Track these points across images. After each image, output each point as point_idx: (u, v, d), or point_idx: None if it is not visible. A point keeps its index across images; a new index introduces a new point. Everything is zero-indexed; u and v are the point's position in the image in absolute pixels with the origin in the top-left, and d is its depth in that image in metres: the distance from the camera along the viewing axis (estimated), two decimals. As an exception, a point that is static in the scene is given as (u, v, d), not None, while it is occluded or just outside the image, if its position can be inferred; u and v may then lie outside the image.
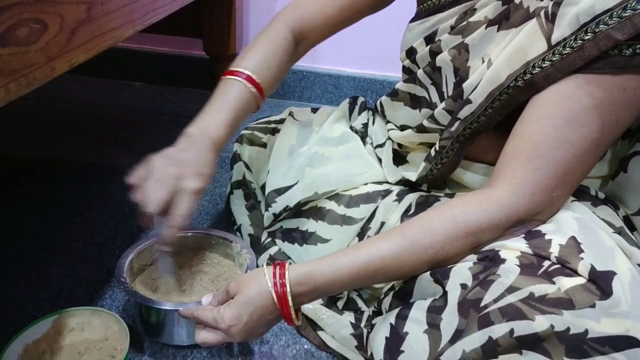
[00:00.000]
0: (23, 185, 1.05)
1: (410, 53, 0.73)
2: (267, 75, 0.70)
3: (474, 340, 0.47)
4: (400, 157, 0.81)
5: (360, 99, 0.94)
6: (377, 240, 0.56)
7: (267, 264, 0.57)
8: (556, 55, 0.52)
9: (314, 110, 0.95)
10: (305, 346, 0.74)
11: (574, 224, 0.52)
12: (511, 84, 0.56)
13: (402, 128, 0.79)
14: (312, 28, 0.74)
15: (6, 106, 0.44)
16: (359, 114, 0.91)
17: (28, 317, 0.71)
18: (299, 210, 0.81)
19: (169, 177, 0.59)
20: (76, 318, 0.68)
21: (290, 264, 0.57)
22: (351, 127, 0.89)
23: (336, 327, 0.72)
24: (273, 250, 0.83)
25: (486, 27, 0.61)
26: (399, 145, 0.81)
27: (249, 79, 0.68)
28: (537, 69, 0.54)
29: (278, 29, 0.73)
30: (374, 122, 0.88)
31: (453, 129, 0.65)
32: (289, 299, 0.54)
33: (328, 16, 0.74)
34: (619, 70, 0.49)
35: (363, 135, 0.88)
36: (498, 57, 0.58)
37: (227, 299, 0.58)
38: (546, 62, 0.53)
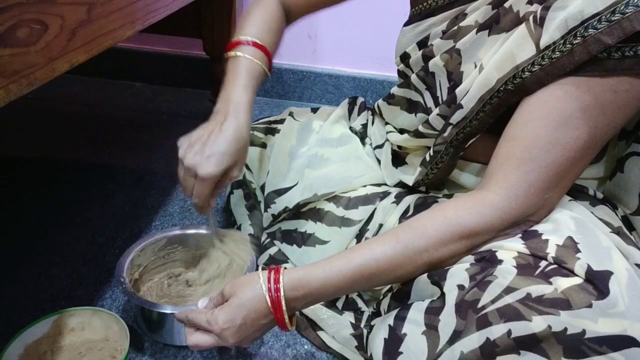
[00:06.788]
0: (23, 185, 1.05)
1: (404, 58, 0.74)
2: (270, 38, 0.74)
3: (472, 341, 0.47)
4: (399, 158, 0.81)
5: (360, 99, 0.94)
6: (371, 244, 0.56)
7: (263, 268, 0.57)
8: (546, 60, 0.52)
9: (314, 111, 0.95)
10: (306, 346, 0.74)
11: (572, 224, 0.52)
12: (501, 88, 0.56)
13: (401, 131, 0.79)
14: (295, 4, 0.80)
15: (6, 106, 0.44)
16: (359, 114, 0.91)
17: (28, 317, 0.71)
18: (298, 211, 0.81)
19: (187, 167, 0.64)
20: (77, 318, 0.68)
21: (285, 268, 0.57)
22: (350, 128, 0.89)
23: (336, 327, 0.72)
24: (273, 250, 0.83)
25: (477, 32, 0.61)
26: (399, 146, 0.81)
27: (255, 44, 0.72)
28: (527, 72, 0.54)
29: (269, 1, 0.78)
30: (373, 123, 0.88)
31: (446, 134, 0.65)
32: (283, 304, 0.55)
33: None
34: (608, 73, 0.49)
35: (362, 135, 0.88)
36: (489, 62, 0.58)
37: (222, 302, 0.58)
38: (536, 66, 0.53)
